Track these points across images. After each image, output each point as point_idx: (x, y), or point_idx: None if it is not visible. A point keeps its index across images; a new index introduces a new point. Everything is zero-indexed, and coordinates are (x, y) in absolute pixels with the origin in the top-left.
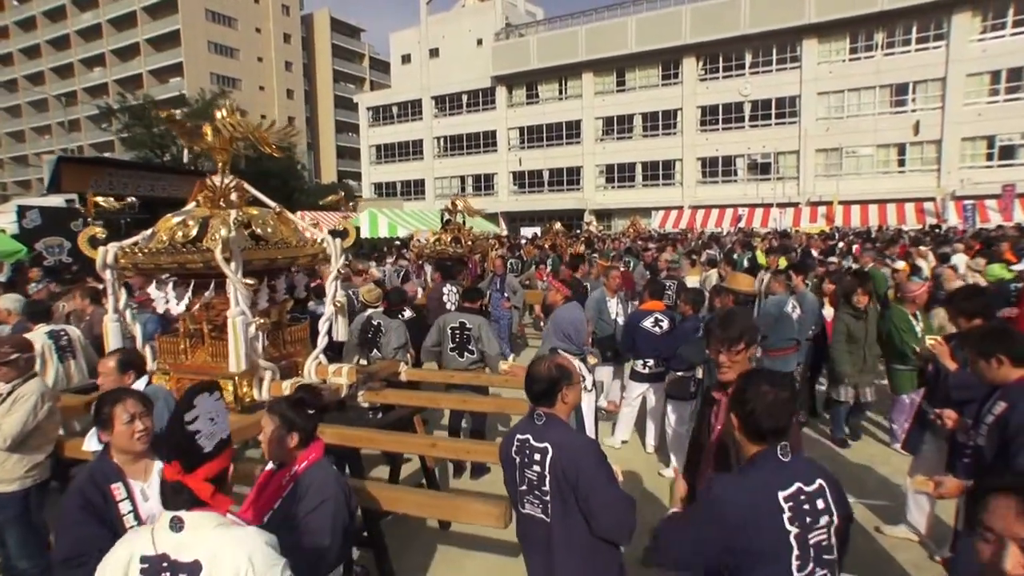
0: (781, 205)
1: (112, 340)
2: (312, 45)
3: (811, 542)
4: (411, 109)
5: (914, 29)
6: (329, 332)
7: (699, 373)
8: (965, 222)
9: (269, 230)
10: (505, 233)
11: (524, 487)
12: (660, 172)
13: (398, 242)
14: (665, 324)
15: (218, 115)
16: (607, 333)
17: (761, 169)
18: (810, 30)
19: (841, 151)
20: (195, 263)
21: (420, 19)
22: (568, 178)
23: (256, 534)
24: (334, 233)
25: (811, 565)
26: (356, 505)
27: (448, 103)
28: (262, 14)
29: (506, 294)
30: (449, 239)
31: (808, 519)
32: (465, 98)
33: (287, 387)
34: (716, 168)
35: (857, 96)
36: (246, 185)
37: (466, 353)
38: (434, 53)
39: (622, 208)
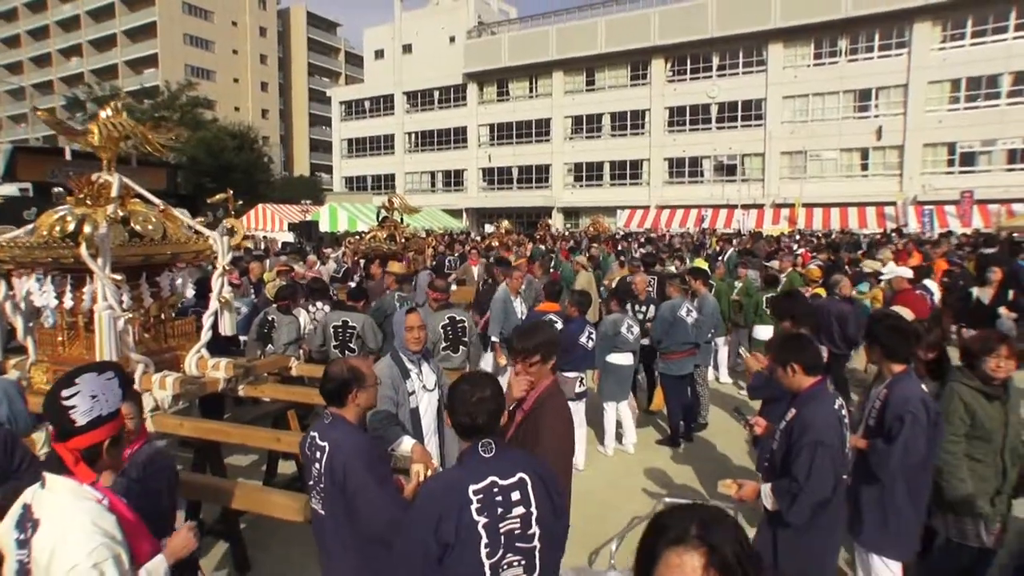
0: (746, 207)
1: None
2: (288, 39)
3: (502, 530)
4: (383, 104)
5: (876, 36)
6: (215, 327)
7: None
8: (923, 227)
9: (150, 227)
10: (446, 230)
11: (311, 482)
12: (628, 172)
13: (356, 237)
14: (558, 325)
15: (102, 115)
16: None
17: (727, 171)
18: (776, 35)
19: (805, 154)
20: (67, 258)
21: (394, 15)
22: (537, 176)
23: (88, 512)
24: (222, 231)
25: (501, 551)
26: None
27: (420, 99)
28: (239, 7)
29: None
30: (384, 236)
31: (499, 510)
32: (437, 94)
33: (158, 380)
34: (683, 169)
35: (821, 100)
36: (129, 181)
37: (346, 351)
38: (407, 49)
39: (590, 207)
